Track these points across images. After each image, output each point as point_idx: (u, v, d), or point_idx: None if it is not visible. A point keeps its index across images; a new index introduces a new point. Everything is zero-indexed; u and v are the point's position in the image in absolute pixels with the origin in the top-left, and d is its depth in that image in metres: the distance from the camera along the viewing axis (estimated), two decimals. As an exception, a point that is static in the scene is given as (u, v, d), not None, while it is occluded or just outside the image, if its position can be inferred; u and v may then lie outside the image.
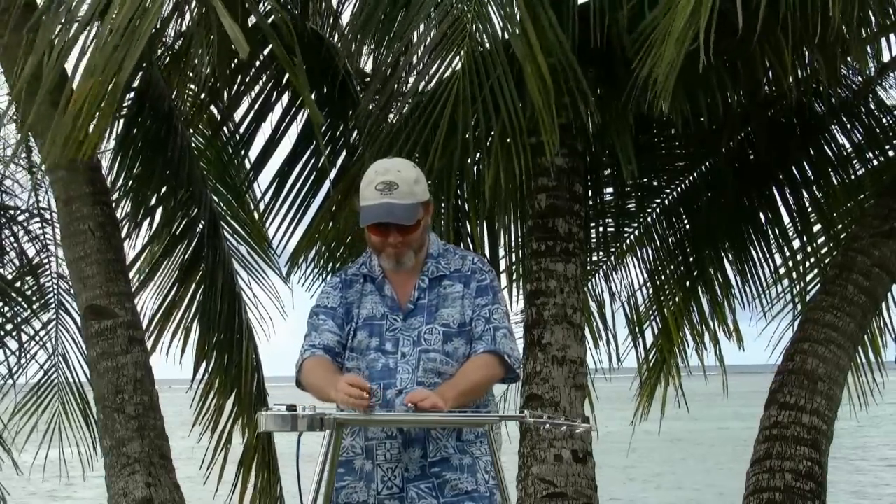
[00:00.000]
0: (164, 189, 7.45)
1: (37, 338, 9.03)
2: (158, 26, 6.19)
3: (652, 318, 8.84)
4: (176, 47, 7.30)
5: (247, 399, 7.64)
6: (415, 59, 6.52)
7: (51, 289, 9.10)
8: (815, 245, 8.16)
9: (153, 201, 7.47)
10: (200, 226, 7.52)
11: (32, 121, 5.75)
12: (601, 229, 8.54)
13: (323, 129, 7.60)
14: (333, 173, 7.62)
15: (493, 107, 6.02)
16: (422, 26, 6.60)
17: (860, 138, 7.97)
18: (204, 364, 7.68)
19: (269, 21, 6.77)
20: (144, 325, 7.36)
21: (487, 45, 6.07)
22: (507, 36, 6.07)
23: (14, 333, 8.96)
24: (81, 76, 5.24)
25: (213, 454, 7.73)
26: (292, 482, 3.93)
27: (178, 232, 7.56)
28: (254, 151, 7.83)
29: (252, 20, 6.50)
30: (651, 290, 8.73)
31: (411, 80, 6.66)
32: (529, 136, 6.11)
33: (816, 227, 8.13)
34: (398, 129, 6.55)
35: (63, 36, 5.35)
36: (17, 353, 8.94)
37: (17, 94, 5.74)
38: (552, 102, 5.79)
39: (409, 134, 6.31)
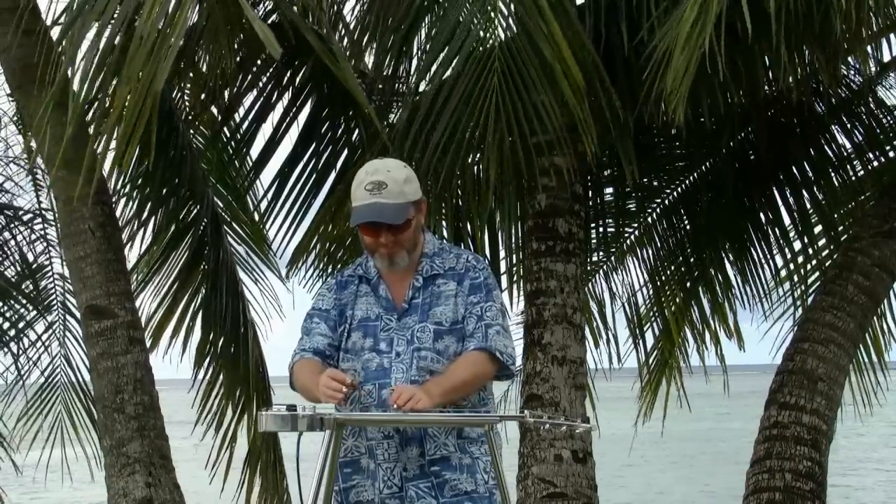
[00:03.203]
0: (165, 189, 7.45)
1: (40, 340, 9.06)
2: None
3: (653, 318, 8.84)
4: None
5: (253, 397, 7.64)
6: (416, 60, 6.54)
7: (53, 290, 9.12)
8: (815, 246, 8.16)
9: (154, 201, 7.47)
10: (202, 225, 7.52)
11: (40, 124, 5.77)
12: (601, 229, 8.54)
13: (324, 129, 7.60)
14: (334, 174, 7.62)
15: (495, 107, 6.02)
16: (423, 31, 6.63)
17: (860, 138, 7.97)
18: (206, 363, 7.69)
19: (269, 21, 6.78)
20: (145, 324, 7.36)
21: (489, 45, 6.07)
22: (507, 36, 6.08)
23: (18, 336, 8.98)
24: (115, 87, 5.25)
25: (217, 454, 7.74)
26: (292, 482, 3.93)
27: (179, 232, 7.56)
28: (254, 152, 7.85)
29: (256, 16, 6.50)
30: (652, 291, 8.73)
31: (421, 80, 6.66)
32: (531, 136, 6.11)
33: (817, 228, 8.13)
34: (399, 130, 6.56)
35: (92, 49, 5.35)
36: (22, 356, 8.97)
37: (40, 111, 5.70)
38: (585, 100, 5.79)
39: (412, 134, 6.31)
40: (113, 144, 5.42)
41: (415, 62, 7.26)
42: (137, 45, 5.06)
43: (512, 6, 6.09)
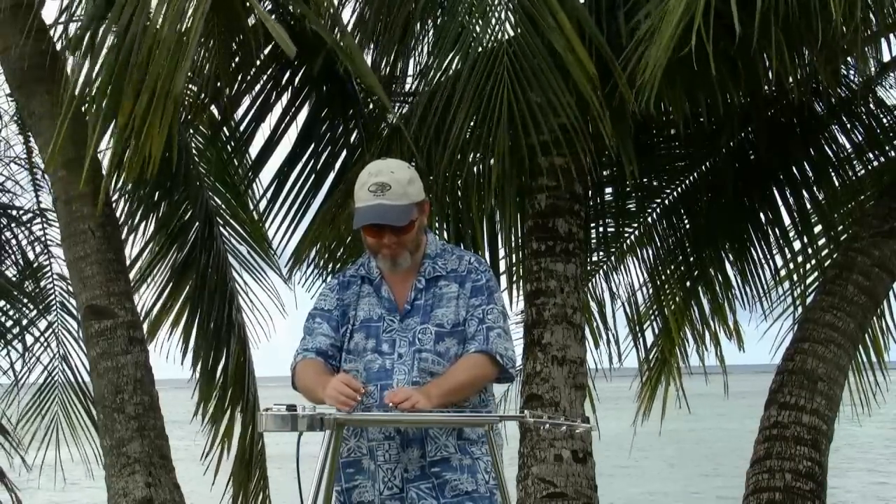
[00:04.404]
0: (160, 190, 7.45)
1: (40, 340, 9.06)
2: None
3: (652, 318, 8.84)
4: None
5: (235, 402, 7.65)
6: (418, 60, 6.55)
7: (52, 290, 9.12)
8: (815, 245, 8.16)
9: (150, 202, 7.47)
10: (196, 227, 7.52)
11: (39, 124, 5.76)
12: (601, 229, 8.54)
13: (323, 129, 7.61)
14: (333, 174, 7.62)
15: (499, 106, 6.01)
16: (425, 29, 6.63)
17: (860, 138, 7.97)
18: (199, 365, 7.70)
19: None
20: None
21: (494, 44, 6.07)
22: (513, 32, 6.08)
23: (19, 336, 8.99)
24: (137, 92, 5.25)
25: (207, 454, 7.76)
26: (292, 482, 3.93)
27: (174, 233, 7.56)
28: (253, 151, 7.85)
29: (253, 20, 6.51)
30: (651, 291, 8.73)
31: (424, 80, 6.65)
32: (532, 135, 6.10)
33: (817, 228, 8.13)
34: (398, 129, 6.56)
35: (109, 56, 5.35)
36: (21, 356, 8.98)
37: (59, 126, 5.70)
38: (597, 87, 5.78)
39: (411, 133, 6.31)
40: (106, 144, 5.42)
41: (415, 62, 7.27)
42: (154, 50, 5.07)
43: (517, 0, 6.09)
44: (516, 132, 6.06)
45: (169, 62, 5.06)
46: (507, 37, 6.09)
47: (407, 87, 7.58)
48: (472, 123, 6.14)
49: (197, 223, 7.51)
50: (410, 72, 7.40)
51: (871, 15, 6.20)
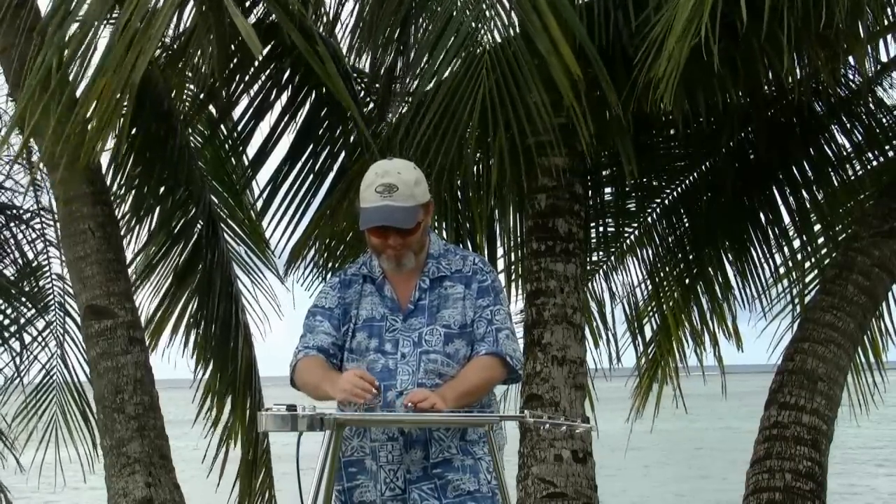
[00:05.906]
0: (162, 189, 7.44)
1: (38, 340, 9.05)
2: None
3: (651, 316, 8.84)
4: (175, 46, 7.28)
5: (242, 400, 7.65)
6: (413, 59, 6.52)
7: (50, 290, 9.12)
8: (814, 245, 8.16)
9: (151, 201, 7.46)
10: (199, 226, 7.51)
11: (37, 123, 5.77)
12: (601, 229, 8.54)
13: (322, 129, 7.59)
14: (332, 174, 7.61)
15: (492, 106, 6.00)
16: (421, 26, 6.60)
17: (860, 138, 7.97)
18: (202, 364, 7.70)
19: (270, 20, 6.77)
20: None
21: (483, 42, 6.06)
22: (502, 32, 6.07)
23: (15, 335, 8.98)
24: (93, 77, 5.24)
25: (210, 454, 7.75)
26: (292, 482, 3.92)
27: (176, 232, 7.56)
28: (252, 150, 7.84)
29: (252, 19, 6.51)
30: (650, 290, 8.72)
31: (414, 79, 6.64)
32: (530, 136, 6.10)
33: (816, 227, 8.13)
34: (398, 129, 6.56)
35: (74, 40, 5.34)
36: (21, 354, 8.97)
37: (25, 98, 5.70)
38: (582, 92, 5.77)
39: (410, 134, 6.30)
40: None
41: (406, 60, 7.25)
42: (117, 37, 5.06)
43: (506, 2, 6.07)
44: (512, 132, 6.04)
45: (129, 53, 5.04)
46: (491, 39, 6.06)
47: (400, 86, 7.55)
48: (469, 123, 6.12)
49: (201, 222, 7.51)
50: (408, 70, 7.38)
51: (871, 14, 6.19)
